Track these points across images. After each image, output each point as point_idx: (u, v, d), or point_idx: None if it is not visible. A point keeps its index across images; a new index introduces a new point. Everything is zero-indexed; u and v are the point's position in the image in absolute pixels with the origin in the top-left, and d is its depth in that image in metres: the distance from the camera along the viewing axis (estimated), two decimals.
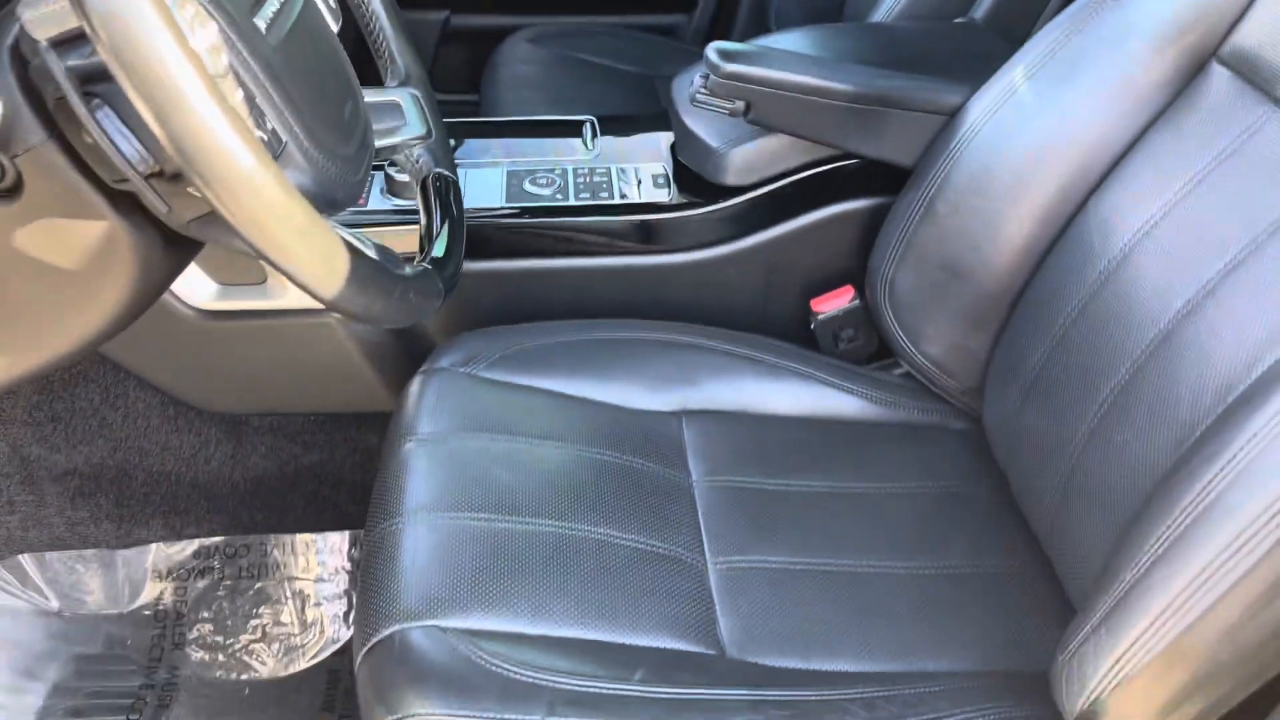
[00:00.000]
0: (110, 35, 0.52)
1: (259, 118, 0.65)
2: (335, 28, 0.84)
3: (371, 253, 0.69)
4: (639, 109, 1.65)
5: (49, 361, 0.77)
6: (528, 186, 1.23)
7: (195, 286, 1.17)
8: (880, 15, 1.40)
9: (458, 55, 2.04)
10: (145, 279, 0.74)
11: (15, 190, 0.66)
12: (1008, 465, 1.01)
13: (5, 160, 0.65)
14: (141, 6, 0.52)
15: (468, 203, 1.21)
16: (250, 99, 0.64)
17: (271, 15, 0.70)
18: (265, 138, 0.65)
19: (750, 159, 1.16)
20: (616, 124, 1.34)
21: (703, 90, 1.11)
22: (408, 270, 0.73)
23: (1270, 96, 0.84)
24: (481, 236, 1.18)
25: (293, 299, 1.19)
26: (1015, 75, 1.02)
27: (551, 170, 1.25)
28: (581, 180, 1.24)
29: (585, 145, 1.29)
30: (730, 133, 1.16)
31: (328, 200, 0.71)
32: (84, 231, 0.69)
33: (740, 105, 1.10)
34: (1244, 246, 0.80)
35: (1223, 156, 0.86)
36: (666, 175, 1.24)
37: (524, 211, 1.20)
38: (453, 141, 1.31)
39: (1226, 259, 0.81)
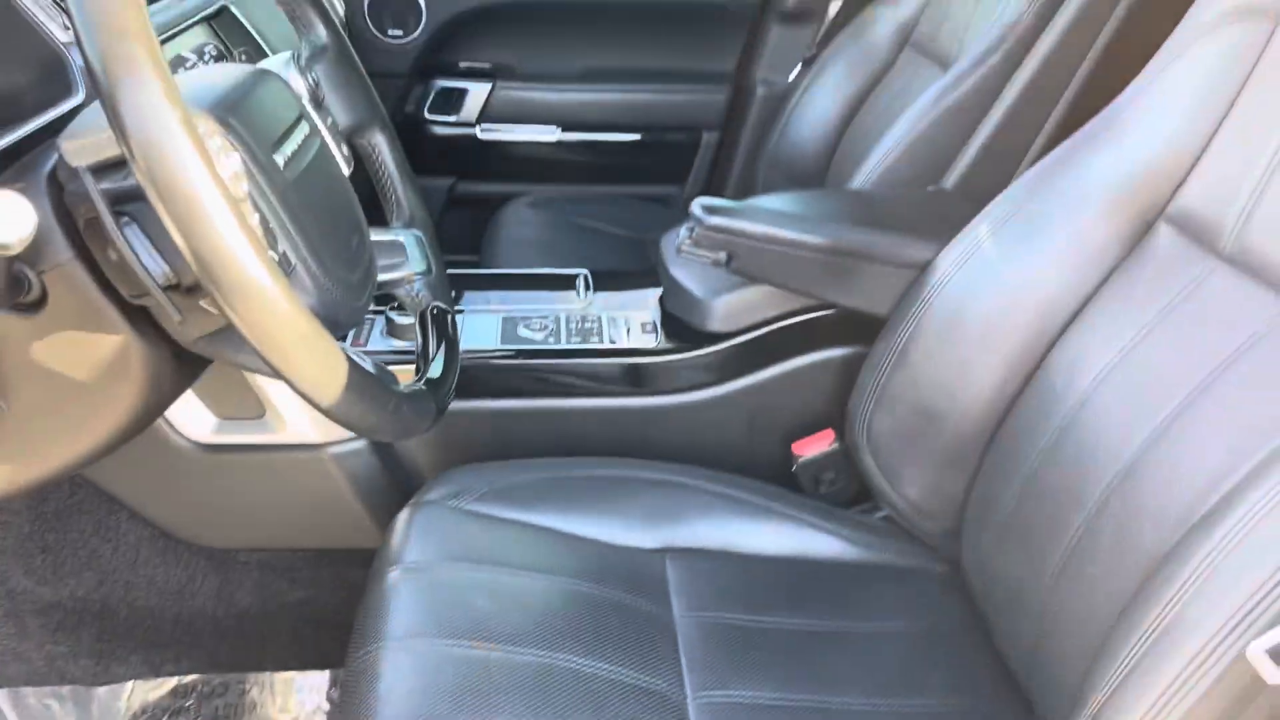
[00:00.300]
0: (147, 159, 0.57)
1: (271, 241, 0.70)
2: (347, 171, 0.91)
3: (370, 368, 0.73)
4: (631, 268, 1.73)
5: (53, 472, 0.80)
6: (522, 331, 1.29)
7: (195, 419, 1.21)
8: (858, 184, 1.49)
9: (462, 219, 2.15)
10: (152, 393, 0.77)
11: (39, 304, 0.71)
12: (985, 606, 1.03)
13: (33, 275, 0.70)
14: (176, 135, 0.58)
15: (464, 344, 1.27)
16: (265, 224, 0.70)
17: (290, 154, 0.77)
18: (276, 258, 0.70)
19: (733, 307, 1.23)
20: (609, 279, 1.41)
21: (688, 241, 1.18)
22: (403, 388, 0.78)
23: (1212, 251, 0.91)
24: (476, 376, 1.23)
25: (289, 433, 1.22)
26: (981, 232, 1.09)
27: (545, 317, 1.31)
28: (573, 326, 1.30)
29: (579, 296, 1.35)
30: (714, 282, 1.23)
31: (331, 321, 0.76)
32: (99, 345, 0.73)
33: (723, 256, 1.17)
34: (1195, 387, 0.84)
35: (1172, 307, 0.92)
36: (654, 323, 1.30)
37: (517, 354, 1.25)
38: (453, 292, 1.38)
39: (1180, 399, 0.85)
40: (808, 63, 1.95)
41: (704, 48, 2.11)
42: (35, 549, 1.26)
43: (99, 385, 0.76)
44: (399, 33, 2.02)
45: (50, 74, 0.87)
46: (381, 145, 0.99)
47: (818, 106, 1.82)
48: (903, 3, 1.74)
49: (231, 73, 0.79)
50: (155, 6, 1.19)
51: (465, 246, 2.07)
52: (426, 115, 2.09)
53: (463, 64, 2.09)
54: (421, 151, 2.12)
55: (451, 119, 2.09)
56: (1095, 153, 1.03)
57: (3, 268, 0.67)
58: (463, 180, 2.15)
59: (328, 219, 0.80)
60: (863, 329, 1.19)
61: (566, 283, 1.40)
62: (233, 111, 0.71)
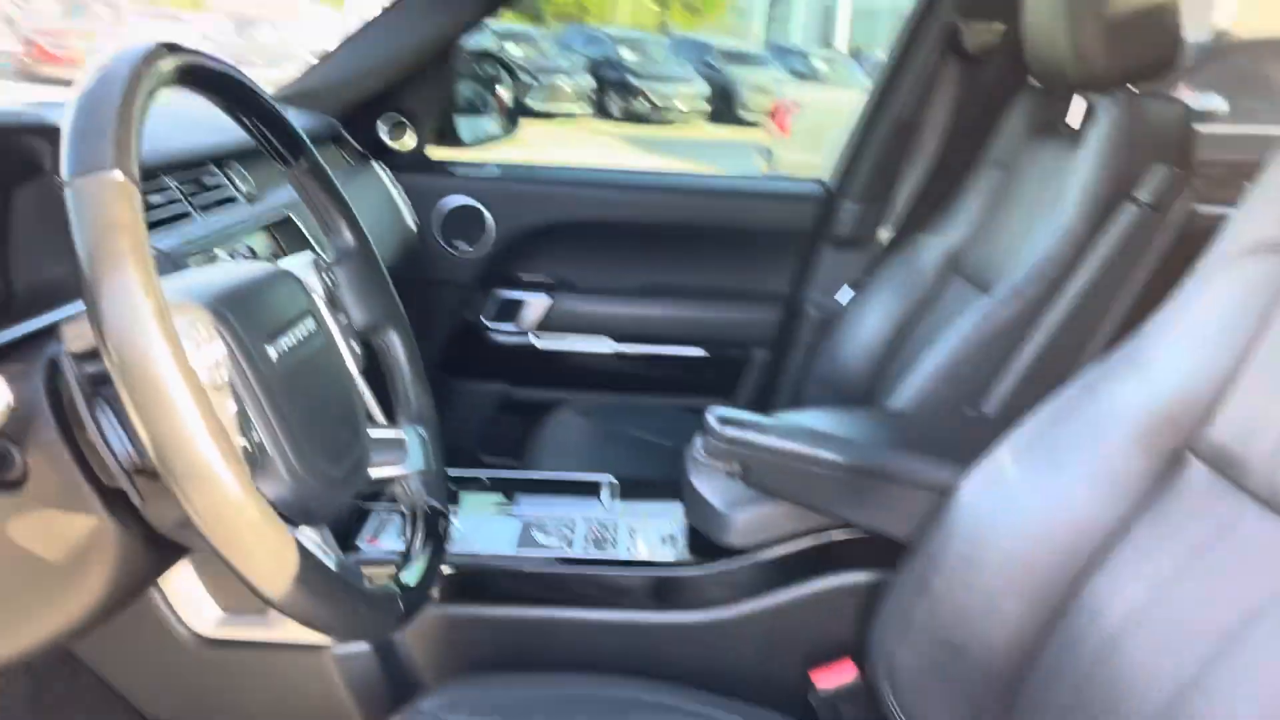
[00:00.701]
0: (115, 343, 0.59)
1: (246, 428, 0.71)
2: (356, 368, 0.93)
3: (331, 563, 0.71)
4: (666, 478, 1.72)
5: (23, 650, 0.79)
6: (537, 536, 1.27)
7: (199, 610, 1.20)
8: (897, 405, 1.47)
9: (512, 424, 2.17)
10: (125, 577, 0.77)
11: (20, 482, 0.72)
12: None
13: (18, 454, 0.71)
14: (144, 321, 0.60)
15: (477, 548, 1.25)
16: (242, 412, 0.71)
17: (286, 347, 0.79)
18: (248, 446, 0.70)
19: (751, 522, 1.19)
20: (637, 487, 1.39)
21: (702, 451, 1.17)
22: (367, 586, 0.75)
23: (1244, 490, 0.85)
24: (484, 582, 1.20)
25: (292, 632, 1.20)
26: (1004, 458, 1.05)
27: (564, 523, 1.29)
28: (590, 534, 1.27)
29: (601, 503, 1.33)
30: (734, 495, 1.20)
31: (303, 510, 0.75)
32: (75, 525, 0.74)
33: (737, 468, 1.15)
34: (1227, 634, 0.78)
35: (1204, 547, 0.86)
36: (674, 535, 1.27)
37: (528, 560, 1.22)
38: (479, 496, 1.37)
39: (1211, 646, 0.78)
40: (857, 286, 1.97)
41: (758, 268, 2.16)
42: None
43: (72, 565, 0.76)
44: (467, 246, 2.12)
45: None
46: (395, 344, 1.01)
47: (866, 328, 1.83)
48: (950, 231, 1.77)
49: (242, 269, 0.83)
50: (228, 212, 1.27)
51: (512, 450, 2.08)
52: (486, 323, 2.16)
53: (524, 277, 2.17)
54: (479, 357, 2.18)
55: (509, 327, 2.16)
56: (1121, 381, 1.00)
57: None
58: (516, 386, 2.19)
59: (317, 412, 0.81)
60: (885, 553, 1.14)
61: (592, 489, 1.38)
62: (228, 303, 0.74)
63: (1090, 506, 0.96)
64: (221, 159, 1.36)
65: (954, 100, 2.04)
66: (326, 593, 0.69)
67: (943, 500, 1.08)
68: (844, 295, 2.04)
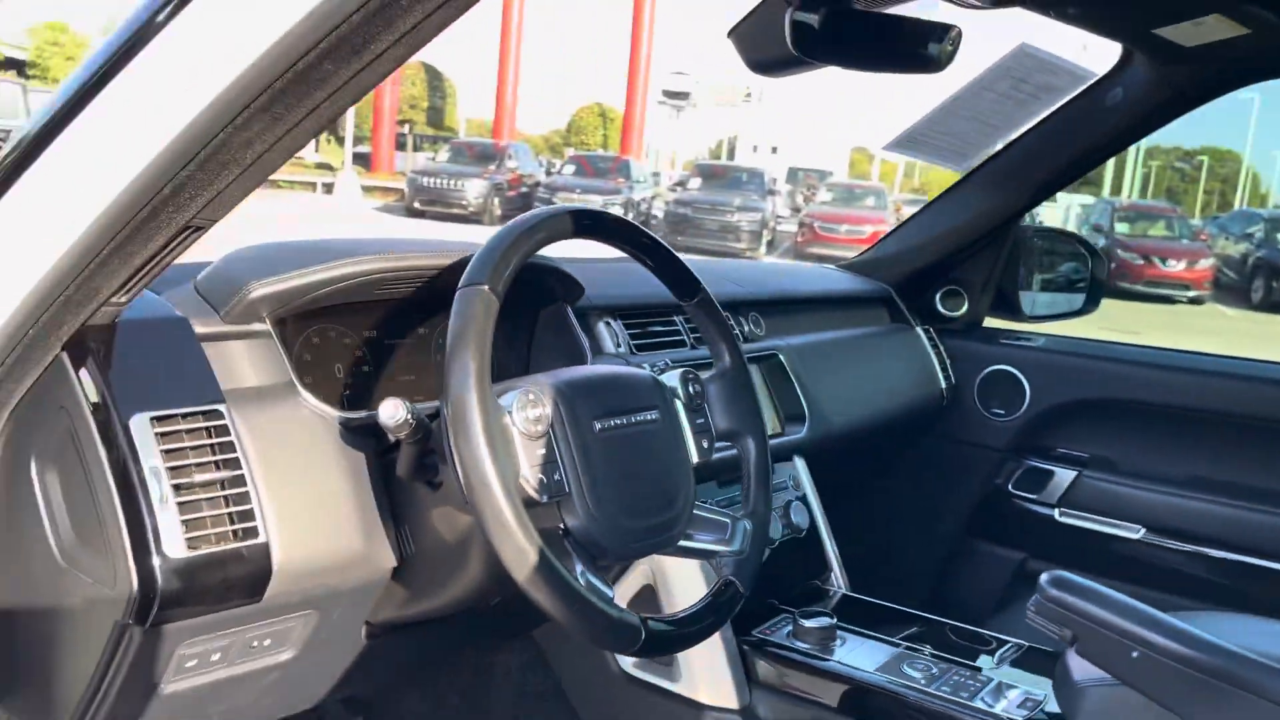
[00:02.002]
0: (451, 393, 0.94)
1: (550, 469, 1.00)
2: (694, 460, 1.17)
3: (577, 579, 0.96)
4: None
5: (434, 609, 1.17)
6: (904, 666, 1.35)
7: None
8: None
9: (1025, 594, 2.14)
10: (496, 565, 1.09)
11: (440, 484, 1.10)
12: None
13: (439, 464, 1.09)
14: (468, 382, 0.93)
15: (847, 659, 1.38)
16: (550, 456, 1.01)
17: (612, 425, 1.07)
18: (544, 480, 1.00)
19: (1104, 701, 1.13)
20: (1044, 659, 1.38)
21: (1031, 609, 1.15)
22: (610, 610, 0.98)
23: None
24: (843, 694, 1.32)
25: (700, 690, 1.44)
26: None
27: (934, 664, 1.35)
28: (957, 680, 1.31)
29: (991, 658, 1.36)
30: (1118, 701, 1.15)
31: (591, 542, 1.02)
32: (464, 520, 1.09)
33: (1068, 634, 1.11)
34: None
35: None
36: (1039, 702, 1.25)
37: (876, 683, 1.31)
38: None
39: None
40: None
41: None
42: None
43: (462, 550, 1.12)
44: (1001, 412, 2.19)
45: None
46: (750, 450, 1.22)
47: None
48: None
49: (608, 369, 1.14)
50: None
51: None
52: (1012, 490, 2.18)
53: (1059, 449, 2.15)
54: (1002, 523, 2.20)
55: (1033, 497, 2.15)
56: None
57: (416, 453, 1.07)
58: (1034, 558, 2.16)
59: (627, 476, 1.07)
60: None
61: (983, 641, 1.40)
62: (570, 385, 1.05)
63: None
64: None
65: None
66: (563, 597, 0.94)
67: None
68: None
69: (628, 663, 1.51)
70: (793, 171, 33.69)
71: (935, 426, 2.21)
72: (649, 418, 1.12)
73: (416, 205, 18.06)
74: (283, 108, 0.77)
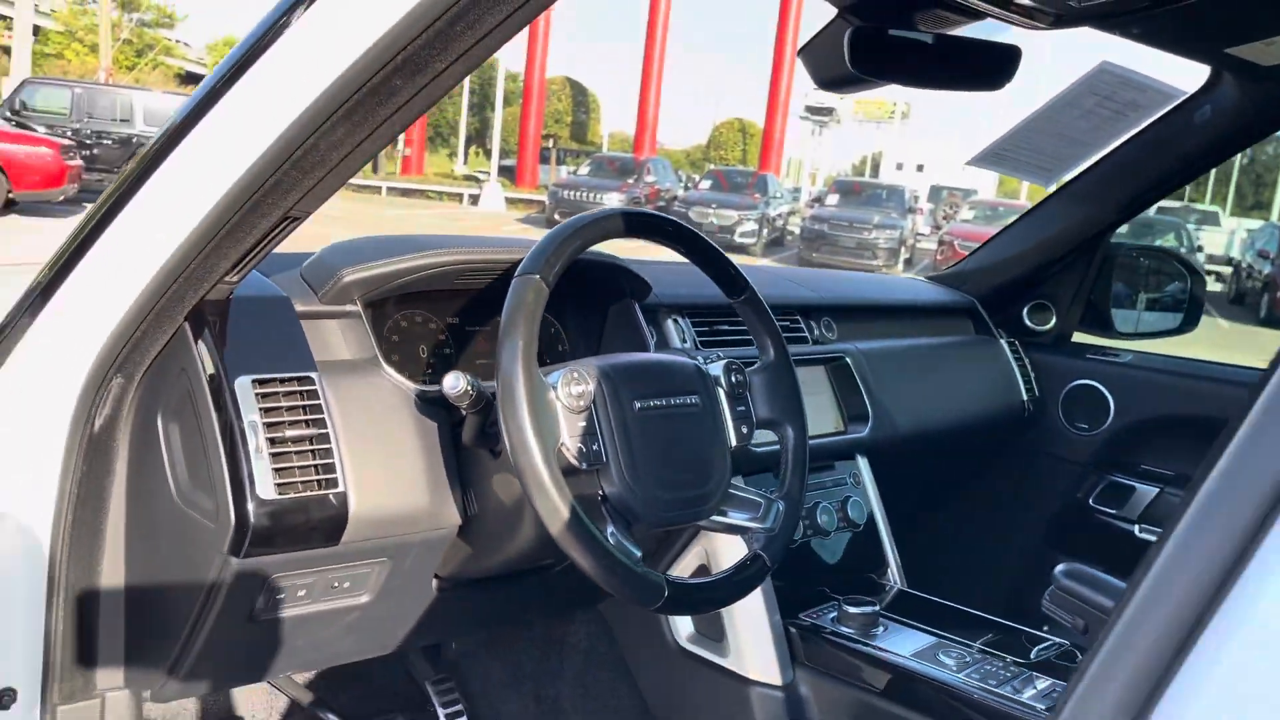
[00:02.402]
0: (501, 371, 1.08)
1: (590, 439, 1.13)
2: (732, 444, 1.27)
3: (606, 537, 1.08)
4: None
5: (495, 567, 1.31)
6: (940, 654, 1.41)
7: (682, 624, 1.61)
8: None
9: None
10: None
11: (501, 453, 1.24)
12: None
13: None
14: (516, 358, 1.07)
15: (886, 644, 1.45)
16: (590, 428, 1.13)
17: (651, 404, 1.19)
18: (583, 448, 1.12)
19: None
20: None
21: (1046, 599, 1.20)
22: (636, 567, 1.10)
23: None
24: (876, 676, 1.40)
25: (748, 665, 1.54)
26: None
27: (975, 654, 1.42)
28: (995, 671, 1.37)
29: (1029, 659, 1.41)
30: None
31: (626, 508, 1.14)
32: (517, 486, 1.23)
33: (1080, 623, 1.17)
34: None
35: None
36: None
37: (909, 669, 1.38)
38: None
39: None
40: None
41: None
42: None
43: (517, 512, 1.25)
44: (1085, 426, 2.20)
45: None
46: (789, 437, 1.32)
47: None
48: None
49: (651, 357, 1.27)
50: (795, 350, 1.71)
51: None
52: (1092, 504, 2.19)
53: (1142, 465, 2.15)
54: (1083, 537, 2.21)
55: (1113, 512, 2.15)
56: None
57: (479, 422, 1.21)
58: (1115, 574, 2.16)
59: (663, 452, 1.18)
60: None
61: (1028, 638, 1.46)
62: (614, 368, 1.17)
63: None
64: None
65: None
66: (591, 550, 1.06)
67: None
68: None
69: (682, 636, 1.61)
70: (936, 189, 33.07)
71: (1017, 438, 2.23)
72: (689, 401, 1.23)
73: (556, 217, 18.56)
74: (360, 117, 0.92)
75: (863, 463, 1.80)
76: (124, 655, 1.27)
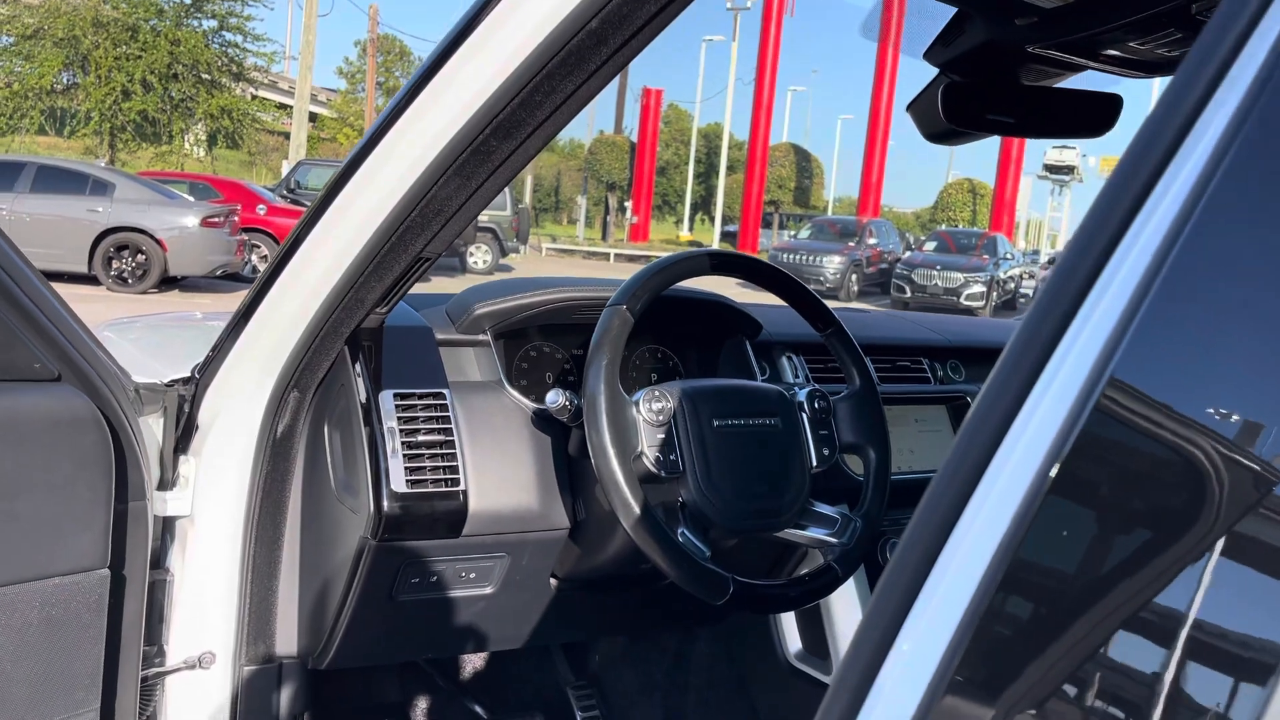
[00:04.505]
0: (586, 386, 1.25)
1: (668, 450, 1.28)
2: (813, 464, 1.38)
3: (676, 535, 1.22)
4: None
5: (603, 567, 1.48)
6: None
7: (792, 641, 1.71)
8: None
9: None
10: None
11: None
12: None
13: None
14: (599, 376, 1.24)
15: None
16: (669, 440, 1.28)
17: (729, 422, 1.32)
18: (661, 458, 1.27)
19: None
20: None
21: None
22: (703, 563, 1.23)
23: None
24: None
25: None
26: None
27: None
28: None
29: None
30: None
31: (702, 517, 1.27)
32: None
33: None
34: None
35: None
36: None
37: None
38: None
39: None
40: None
41: None
42: None
43: (615, 517, 1.41)
44: None
45: None
46: (870, 460, 1.41)
47: None
48: None
49: (735, 383, 1.40)
50: (916, 389, 1.80)
51: None
52: None
53: None
54: None
55: None
56: None
57: (583, 436, 1.38)
58: None
59: (739, 466, 1.31)
60: None
61: None
62: (697, 390, 1.32)
63: None
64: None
65: None
66: (661, 544, 1.21)
67: None
68: None
69: (791, 653, 1.71)
70: None
71: None
72: (770, 423, 1.36)
73: None
74: (467, 173, 1.13)
75: None
76: (296, 627, 1.52)
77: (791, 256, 19.30)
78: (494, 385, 1.48)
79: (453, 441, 1.37)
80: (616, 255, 24.92)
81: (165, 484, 1.43)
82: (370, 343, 1.41)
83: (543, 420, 1.47)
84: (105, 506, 1.23)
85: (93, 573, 1.24)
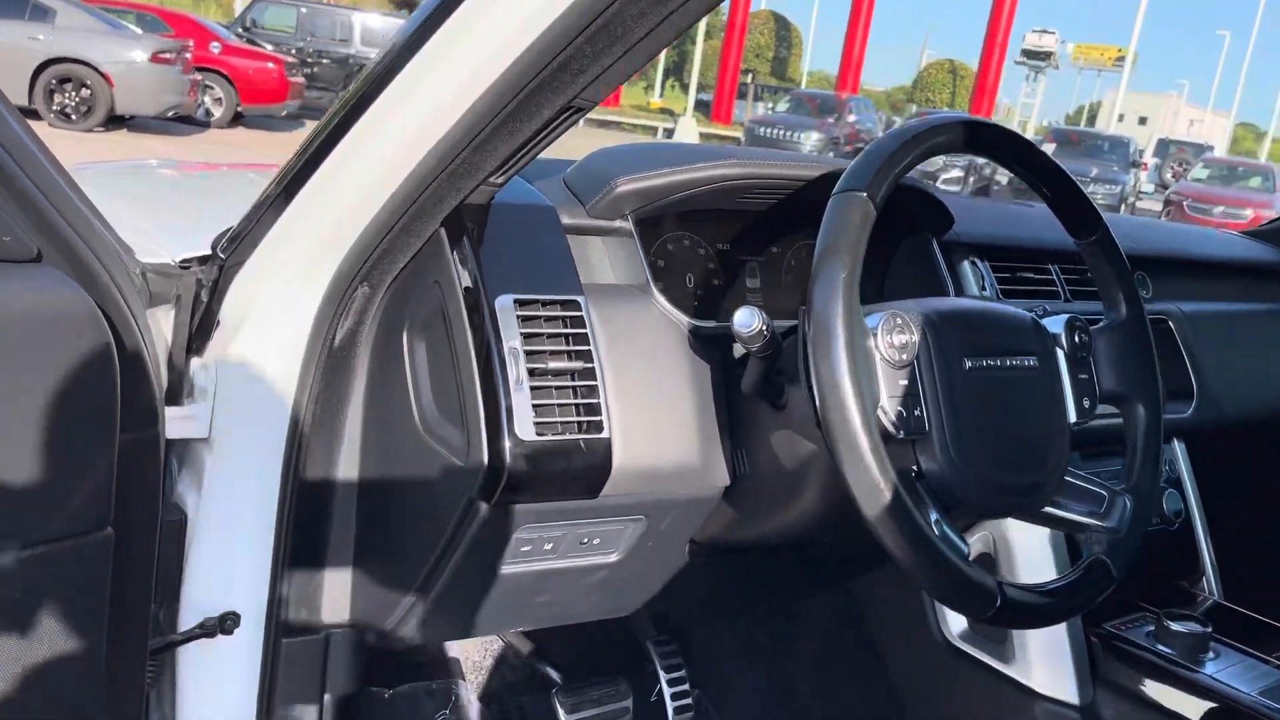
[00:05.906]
0: (815, 309, 0.87)
1: (911, 403, 0.91)
2: (1071, 420, 1.03)
3: (933, 533, 0.86)
4: None
5: (762, 535, 1.12)
6: None
7: (954, 620, 1.39)
8: None
9: None
10: (833, 492, 1.01)
11: (785, 406, 1.03)
12: None
13: (788, 386, 1.03)
14: (835, 294, 0.86)
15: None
16: (913, 389, 0.91)
17: (984, 365, 0.96)
18: (903, 413, 0.90)
19: None
20: None
21: None
22: (965, 567, 0.88)
23: None
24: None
25: (1036, 678, 1.30)
26: None
27: None
28: None
29: None
30: None
31: (946, 491, 0.92)
32: (804, 446, 1.02)
33: None
34: None
35: None
36: None
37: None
38: None
39: None
40: None
41: None
42: None
43: (800, 478, 1.05)
44: None
45: None
46: (1138, 418, 1.06)
47: None
48: None
49: (981, 305, 1.02)
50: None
51: None
52: None
53: None
54: None
55: None
56: None
57: (763, 369, 1.01)
58: None
59: (995, 423, 0.95)
60: None
61: None
62: (940, 316, 0.94)
63: None
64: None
65: None
66: (914, 543, 0.85)
67: None
68: None
69: (953, 631, 1.39)
70: (1163, 144, 30.42)
71: None
72: (1027, 363, 1.00)
73: None
74: None
75: (1179, 448, 1.51)
76: (350, 593, 1.16)
77: (769, 130, 18.58)
78: (638, 291, 1.09)
79: (592, 370, 0.99)
80: (585, 120, 23.89)
81: (175, 397, 1.04)
82: (475, 224, 1.01)
83: (700, 342, 1.09)
84: (107, 440, 0.85)
85: (92, 536, 0.86)
